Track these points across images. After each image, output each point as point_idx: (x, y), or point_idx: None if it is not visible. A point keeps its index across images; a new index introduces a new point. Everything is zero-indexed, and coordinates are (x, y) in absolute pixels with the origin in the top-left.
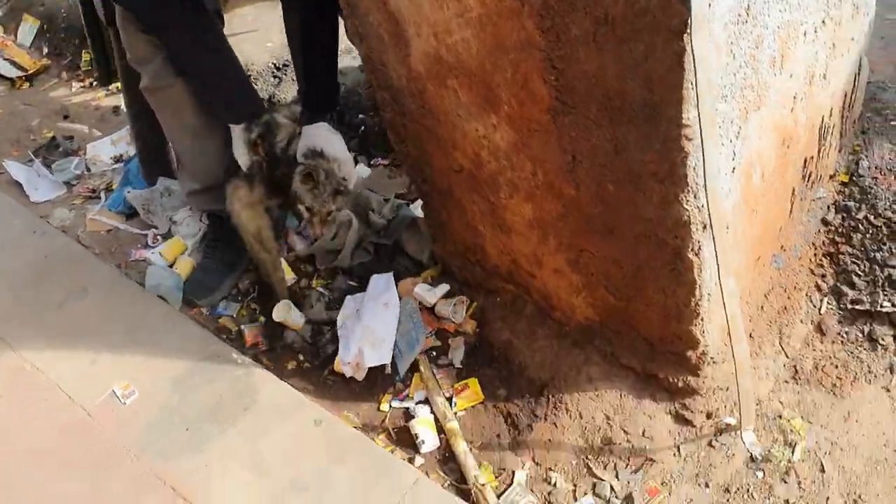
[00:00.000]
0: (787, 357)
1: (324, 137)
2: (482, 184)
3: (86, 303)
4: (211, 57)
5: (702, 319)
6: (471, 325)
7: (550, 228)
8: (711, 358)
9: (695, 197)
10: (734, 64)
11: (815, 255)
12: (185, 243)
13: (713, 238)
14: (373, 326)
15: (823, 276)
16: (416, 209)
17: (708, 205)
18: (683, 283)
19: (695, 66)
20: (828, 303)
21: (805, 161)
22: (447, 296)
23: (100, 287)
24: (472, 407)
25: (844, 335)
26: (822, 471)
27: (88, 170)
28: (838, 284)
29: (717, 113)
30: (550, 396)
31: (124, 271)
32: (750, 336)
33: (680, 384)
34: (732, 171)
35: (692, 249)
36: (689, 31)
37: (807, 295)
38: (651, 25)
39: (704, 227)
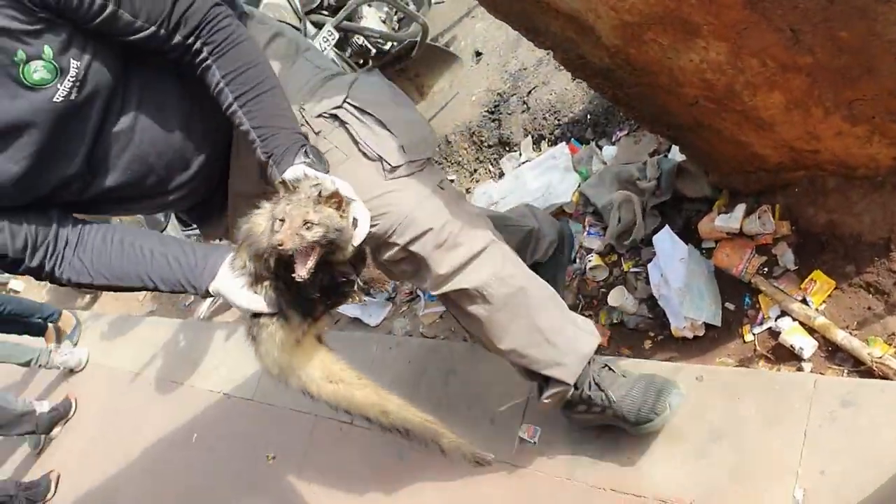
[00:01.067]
0: None
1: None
2: (722, 101)
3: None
4: None
5: None
6: (785, 227)
7: (808, 101)
8: None
9: None
10: None
11: None
12: None
13: None
14: (683, 286)
15: None
16: (675, 155)
17: None
18: None
19: None
20: None
21: None
22: (748, 214)
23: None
24: (829, 296)
25: None
26: None
27: None
28: None
29: None
30: None
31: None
32: None
33: None
34: None
35: None
36: None
37: None
38: None
39: None
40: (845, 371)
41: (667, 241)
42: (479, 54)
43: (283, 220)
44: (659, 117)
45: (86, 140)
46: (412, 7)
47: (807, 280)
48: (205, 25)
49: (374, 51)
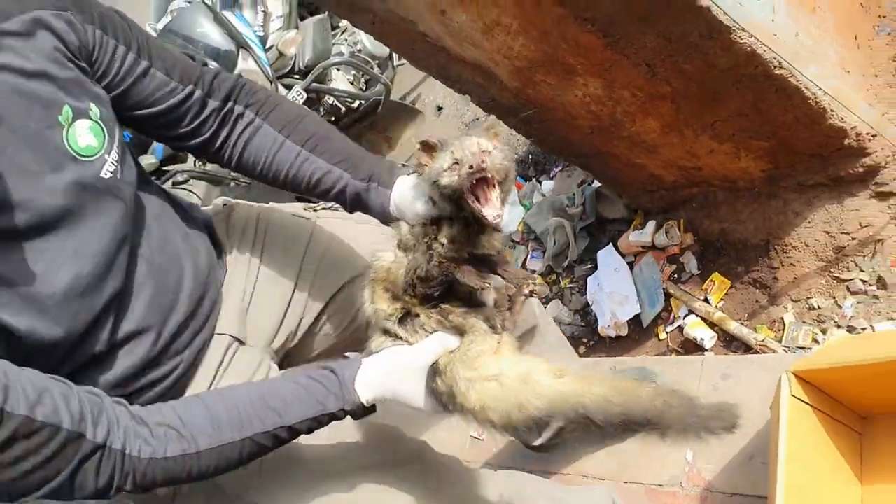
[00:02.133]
0: None
1: None
2: (610, 129)
3: None
4: None
5: (831, 110)
6: (688, 238)
7: (678, 125)
8: (867, 134)
9: (742, 30)
10: None
11: None
12: None
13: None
14: (614, 291)
15: None
16: (596, 183)
17: (755, 31)
18: (791, 93)
19: None
20: None
21: None
22: (658, 229)
23: None
24: (726, 294)
25: None
26: None
27: None
28: None
29: None
30: (776, 247)
31: None
32: None
33: (861, 169)
34: None
35: (775, 66)
36: None
37: None
38: None
39: (772, 43)
40: (738, 354)
41: (608, 255)
42: (440, 108)
43: (456, 161)
44: (567, 148)
45: (123, 247)
46: (376, 70)
47: (707, 281)
48: (240, 89)
49: (343, 108)
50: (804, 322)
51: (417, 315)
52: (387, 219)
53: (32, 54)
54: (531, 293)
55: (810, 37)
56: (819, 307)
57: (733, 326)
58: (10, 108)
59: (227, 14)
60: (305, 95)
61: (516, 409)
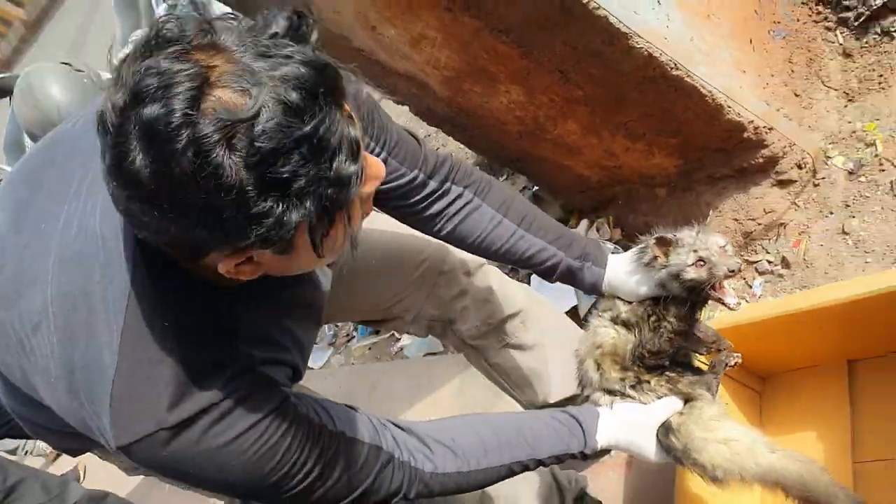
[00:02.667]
0: (835, 89)
1: None
2: (535, 133)
3: None
4: None
5: (728, 107)
6: (617, 232)
7: (595, 126)
8: (764, 128)
9: (638, 37)
10: None
11: (806, 7)
12: None
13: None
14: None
15: (825, 17)
16: (534, 187)
17: (650, 37)
18: (688, 92)
19: None
20: (840, 32)
21: None
22: (590, 226)
23: None
24: None
25: (866, 45)
26: None
27: None
28: (838, 14)
29: None
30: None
31: None
32: (796, 95)
33: (761, 160)
34: (658, 4)
35: (671, 67)
36: None
37: (821, 38)
38: None
39: (665, 46)
40: None
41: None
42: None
43: (703, 260)
44: (500, 153)
45: None
46: None
47: None
48: (457, 170)
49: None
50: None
51: (648, 381)
52: (595, 292)
53: None
54: (735, 363)
55: (705, 41)
56: (732, 288)
57: None
58: None
59: None
60: None
61: (738, 472)
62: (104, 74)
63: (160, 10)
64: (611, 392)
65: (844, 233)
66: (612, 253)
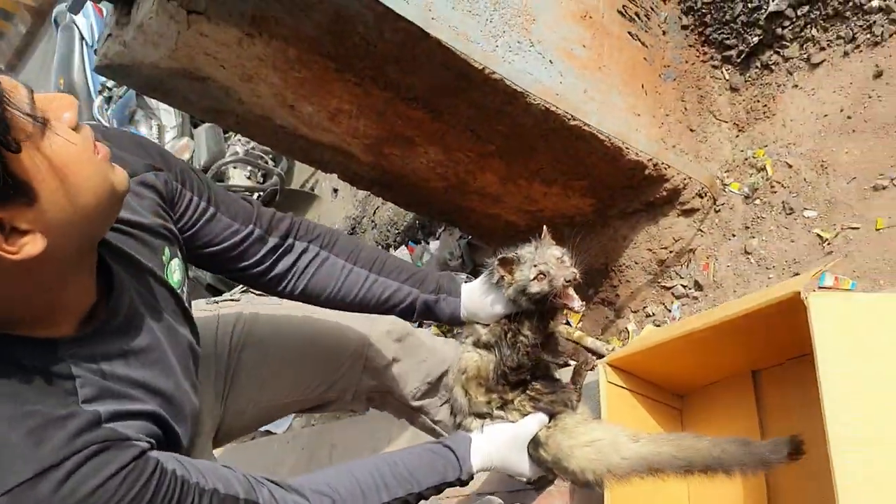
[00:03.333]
0: (726, 121)
1: None
2: (459, 187)
3: None
4: None
5: (626, 148)
6: None
7: (512, 175)
8: (662, 164)
9: (533, 95)
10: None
11: (692, 49)
12: None
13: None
14: None
15: (711, 56)
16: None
17: (544, 94)
18: (588, 139)
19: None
20: (725, 69)
21: (622, 6)
22: None
23: None
24: (582, 315)
25: (749, 78)
26: (790, 166)
27: None
28: (722, 53)
29: (498, 48)
30: (614, 268)
31: None
32: (691, 130)
33: (665, 193)
34: (551, 62)
35: (569, 119)
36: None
37: (710, 76)
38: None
39: (558, 101)
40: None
41: None
42: (335, 190)
43: (543, 273)
44: (430, 208)
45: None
46: (270, 164)
47: None
48: (297, 226)
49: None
50: (643, 328)
51: (512, 401)
52: (455, 323)
53: (141, 209)
54: (593, 367)
55: (599, 91)
56: (653, 314)
57: (589, 342)
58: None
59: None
60: None
61: (607, 469)
62: None
63: (97, 102)
64: (480, 415)
65: (747, 253)
66: (466, 282)
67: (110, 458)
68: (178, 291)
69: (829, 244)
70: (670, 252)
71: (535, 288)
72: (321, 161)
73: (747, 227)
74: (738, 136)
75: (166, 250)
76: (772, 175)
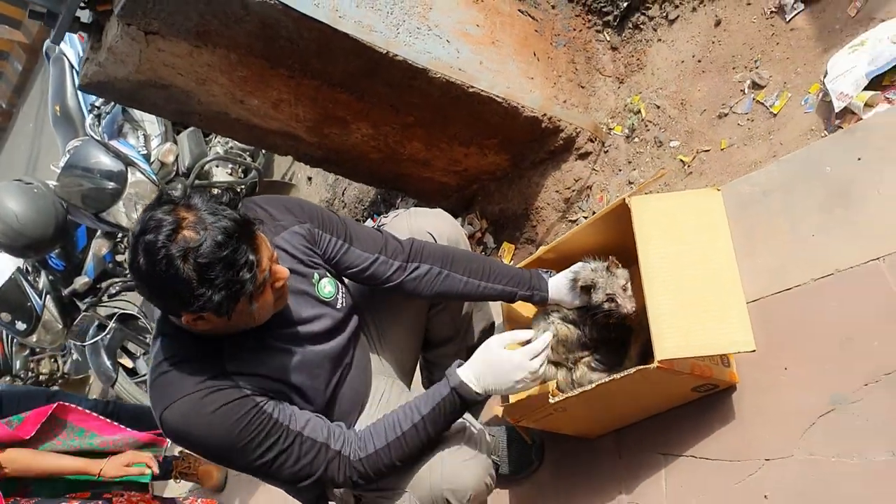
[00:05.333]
0: (609, 76)
1: None
2: (393, 156)
3: None
4: None
5: (522, 107)
6: (484, 223)
7: (435, 141)
8: (556, 118)
9: (434, 70)
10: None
11: (578, 18)
12: None
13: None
14: None
15: (594, 23)
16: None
17: (443, 69)
18: (488, 102)
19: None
20: (606, 32)
21: None
22: (464, 222)
23: None
24: (513, 255)
25: (625, 38)
26: (658, 107)
27: None
28: (602, 19)
29: (399, 34)
30: (532, 211)
31: None
32: (582, 87)
33: (562, 142)
34: (448, 42)
35: (468, 87)
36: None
37: (594, 40)
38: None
39: (457, 74)
40: None
41: None
42: (309, 178)
43: (611, 300)
44: (374, 178)
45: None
46: (249, 159)
47: (501, 249)
48: (415, 250)
49: (228, 195)
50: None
51: (580, 359)
52: (541, 305)
53: (294, 249)
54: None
55: (494, 61)
56: None
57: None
58: (292, 281)
59: (114, 143)
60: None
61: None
62: (51, 183)
63: (88, 120)
64: (556, 364)
65: (630, 183)
66: (551, 276)
67: (227, 394)
68: (331, 300)
69: (689, 167)
70: (573, 191)
71: (605, 307)
72: (274, 145)
73: (629, 162)
74: (619, 87)
75: (315, 275)
76: (645, 116)
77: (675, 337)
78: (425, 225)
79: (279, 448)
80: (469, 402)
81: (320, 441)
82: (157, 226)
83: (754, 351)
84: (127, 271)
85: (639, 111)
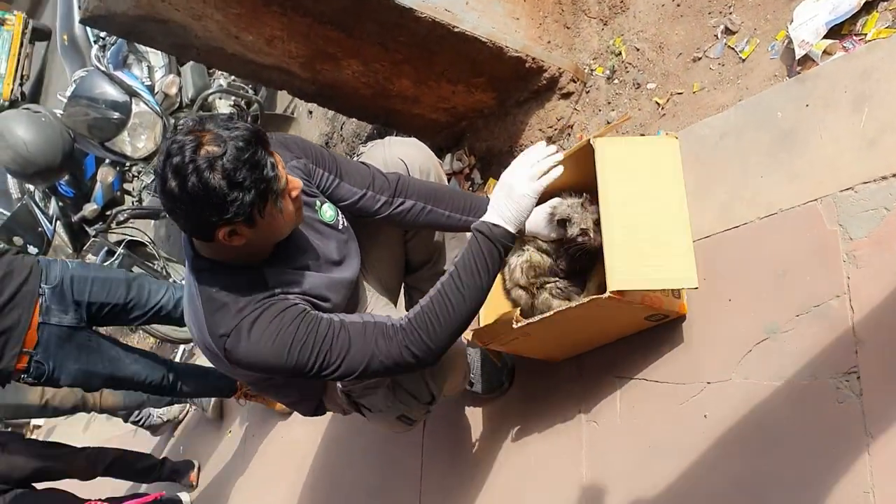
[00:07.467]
0: (594, 17)
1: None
2: (382, 92)
3: None
4: None
5: (507, 46)
6: (472, 159)
7: (423, 78)
8: (539, 58)
9: (420, 10)
10: None
11: None
12: None
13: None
14: None
15: None
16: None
17: (428, 9)
18: (473, 41)
19: None
20: None
21: None
22: (453, 159)
23: None
24: None
25: None
26: (638, 49)
27: None
28: None
29: None
30: (516, 148)
31: None
32: (567, 27)
33: (545, 81)
34: None
35: (453, 27)
36: None
37: None
38: None
39: (442, 14)
40: None
41: None
42: (310, 112)
43: (583, 230)
44: (366, 113)
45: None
46: (250, 92)
47: (487, 185)
48: (401, 186)
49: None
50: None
51: (544, 284)
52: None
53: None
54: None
55: (479, 2)
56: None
57: None
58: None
59: (119, 73)
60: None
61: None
62: (58, 112)
63: (94, 50)
64: (523, 287)
65: (608, 123)
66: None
67: (280, 306)
68: (333, 223)
69: (663, 109)
70: (555, 129)
71: (579, 240)
72: (269, 80)
73: (609, 102)
74: (603, 28)
75: (317, 202)
76: (625, 58)
77: (626, 271)
78: (398, 153)
79: (340, 340)
80: (492, 237)
81: (371, 322)
82: (180, 147)
83: (696, 288)
84: (136, 198)
85: (620, 53)
